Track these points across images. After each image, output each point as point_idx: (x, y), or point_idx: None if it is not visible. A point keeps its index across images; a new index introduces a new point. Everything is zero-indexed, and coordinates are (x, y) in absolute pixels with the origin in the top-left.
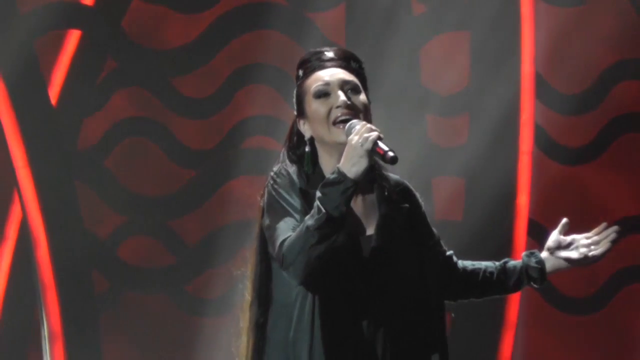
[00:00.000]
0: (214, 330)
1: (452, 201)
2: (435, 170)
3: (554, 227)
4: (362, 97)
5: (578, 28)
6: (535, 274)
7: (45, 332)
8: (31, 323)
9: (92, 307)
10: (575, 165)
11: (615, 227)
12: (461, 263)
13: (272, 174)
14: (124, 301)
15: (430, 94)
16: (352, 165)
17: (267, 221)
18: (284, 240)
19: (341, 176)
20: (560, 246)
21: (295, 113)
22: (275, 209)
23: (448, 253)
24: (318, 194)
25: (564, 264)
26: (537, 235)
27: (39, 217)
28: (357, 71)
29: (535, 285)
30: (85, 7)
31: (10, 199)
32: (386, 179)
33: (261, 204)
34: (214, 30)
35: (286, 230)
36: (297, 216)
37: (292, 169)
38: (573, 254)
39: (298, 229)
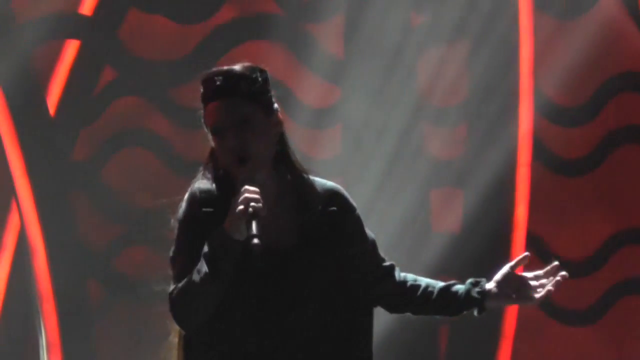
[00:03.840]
0: None
1: (450, 213)
2: (433, 183)
3: (552, 239)
4: (254, 128)
5: (577, 40)
6: (474, 304)
7: (42, 341)
8: (29, 332)
9: (89, 317)
10: (574, 177)
11: (564, 273)
12: (402, 276)
13: (185, 197)
14: (120, 311)
15: (427, 105)
16: (235, 231)
17: (170, 252)
18: (176, 286)
19: (226, 239)
20: (507, 281)
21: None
22: (177, 243)
23: (386, 263)
24: (205, 248)
25: (505, 299)
26: (535, 248)
27: (36, 227)
28: (250, 92)
29: (475, 314)
30: (83, 17)
31: (8, 208)
32: (309, 185)
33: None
34: (212, 40)
35: (181, 272)
36: (195, 255)
37: (205, 189)
38: (517, 293)
39: (186, 279)
